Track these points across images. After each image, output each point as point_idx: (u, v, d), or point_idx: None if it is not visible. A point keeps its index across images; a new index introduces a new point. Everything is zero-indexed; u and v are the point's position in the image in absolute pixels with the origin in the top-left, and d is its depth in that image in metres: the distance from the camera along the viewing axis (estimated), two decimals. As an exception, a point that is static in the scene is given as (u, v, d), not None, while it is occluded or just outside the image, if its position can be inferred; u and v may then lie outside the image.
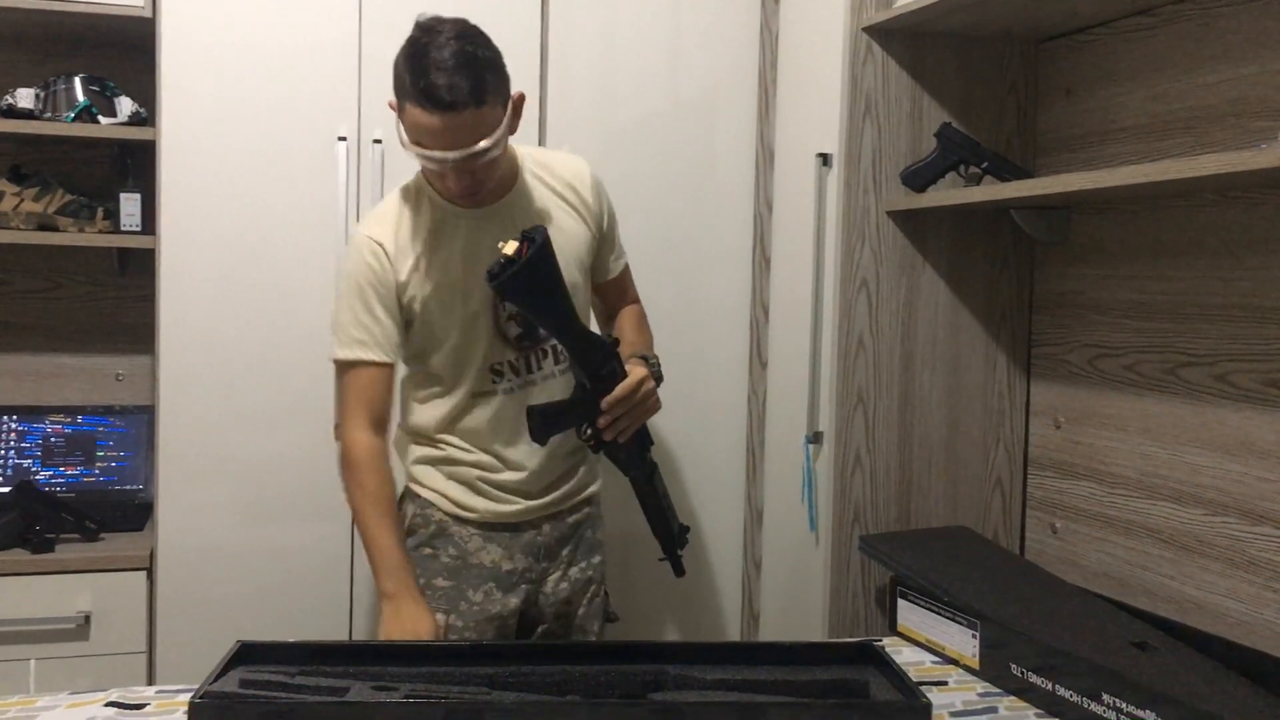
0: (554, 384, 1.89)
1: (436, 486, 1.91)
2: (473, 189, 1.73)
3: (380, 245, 1.80)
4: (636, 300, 2.07)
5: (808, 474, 2.25)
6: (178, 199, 2.23)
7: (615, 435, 1.78)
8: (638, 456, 1.87)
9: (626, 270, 2.03)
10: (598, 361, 1.76)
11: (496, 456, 1.89)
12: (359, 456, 1.80)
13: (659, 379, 1.85)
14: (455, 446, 1.90)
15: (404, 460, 1.97)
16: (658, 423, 2.46)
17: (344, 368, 1.82)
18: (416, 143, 1.67)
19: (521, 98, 1.75)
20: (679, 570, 1.98)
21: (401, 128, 1.69)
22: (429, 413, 1.90)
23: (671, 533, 1.95)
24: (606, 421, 1.76)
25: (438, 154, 1.65)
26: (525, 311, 1.77)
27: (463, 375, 1.86)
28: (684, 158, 2.47)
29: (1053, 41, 2.21)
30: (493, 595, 1.88)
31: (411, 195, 1.85)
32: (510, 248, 1.63)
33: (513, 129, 1.74)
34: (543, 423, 1.79)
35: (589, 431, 1.79)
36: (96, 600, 2.24)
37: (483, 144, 1.65)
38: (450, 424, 1.89)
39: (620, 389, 1.75)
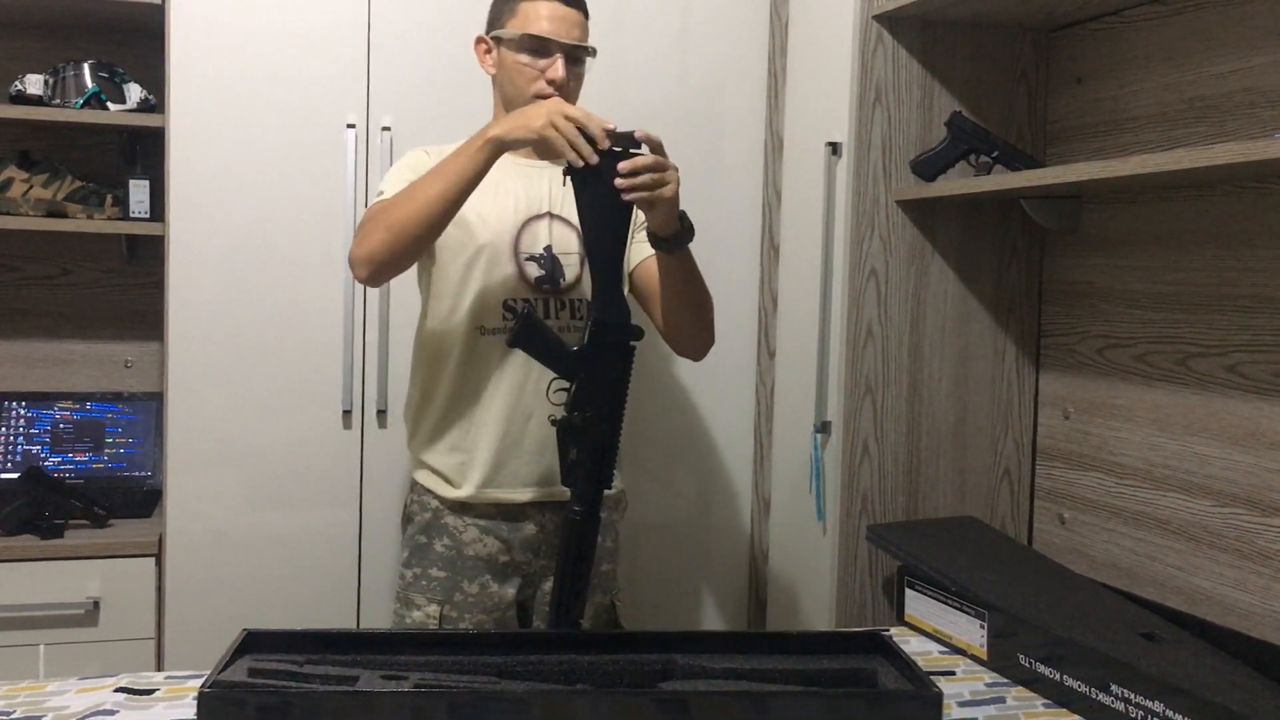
0: (565, 340, 1.84)
1: (432, 464, 1.91)
2: (565, 84, 1.84)
3: (425, 151, 1.90)
4: None
5: (815, 464, 2.25)
6: (187, 186, 2.23)
7: (631, 186, 1.62)
8: (592, 457, 1.69)
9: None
10: (611, 325, 1.68)
11: (497, 416, 1.86)
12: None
13: (687, 225, 1.75)
14: (457, 400, 1.88)
15: (409, 446, 1.97)
16: (667, 409, 2.47)
17: (374, 204, 1.80)
18: (532, 35, 1.82)
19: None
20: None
21: (504, 41, 1.85)
22: (440, 363, 1.88)
23: (565, 600, 1.71)
24: (628, 167, 1.62)
25: (557, 38, 1.82)
26: (583, 179, 1.65)
27: (478, 305, 1.85)
28: (692, 145, 2.46)
29: (1064, 30, 2.20)
30: (489, 587, 1.88)
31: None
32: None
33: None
34: (525, 328, 1.71)
35: (557, 390, 1.72)
36: (105, 586, 2.25)
37: (589, 42, 1.88)
38: (459, 371, 1.87)
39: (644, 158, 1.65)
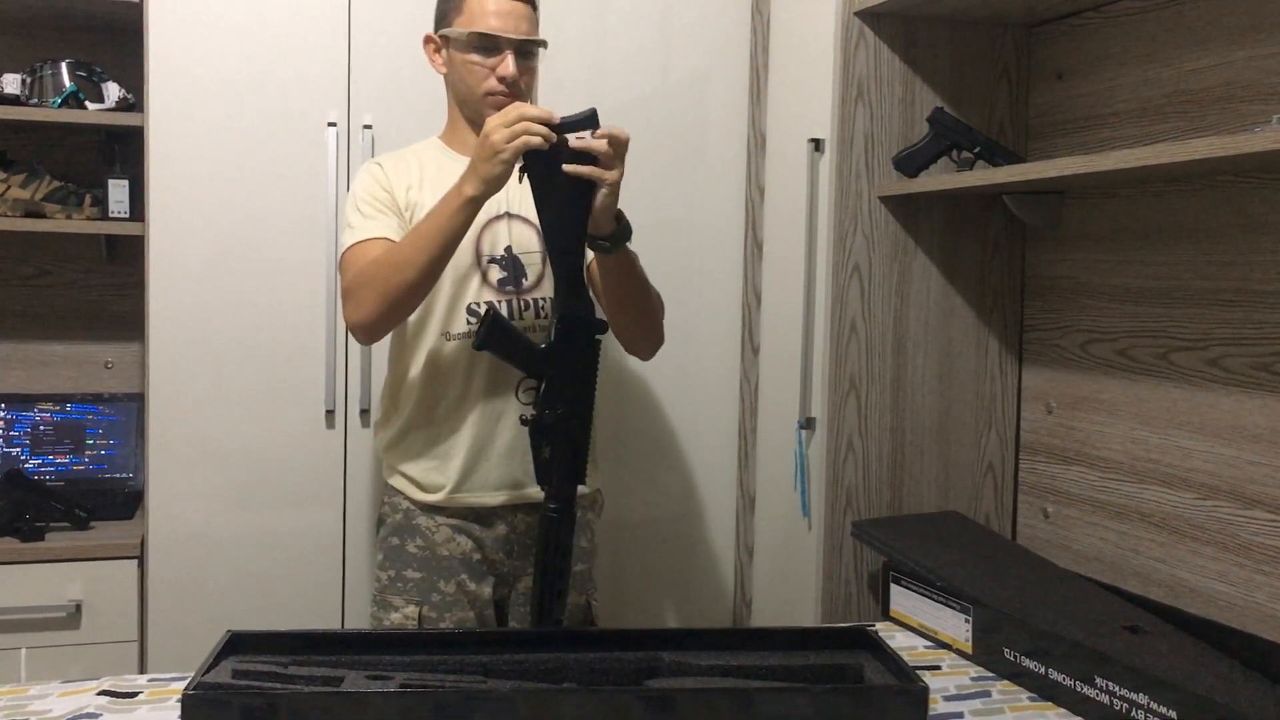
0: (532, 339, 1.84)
1: (403, 469, 1.90)
2: (517, 81, 1.82)
3: (379, 164, 1.90)
4: None
5: (800, 460, 2.25)
6: (166, 185, 2.22)
7: (584, 146, 1.61)
8: (566, 458, 1.70)
9: None
10: (575, 320, 1.68)
11: (466, 421, 1.86)
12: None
13: (624, 225, 1.73)
14: (426, 406, 1.87)
15: (381, 452, 1.97)
16: (651, 406, 2.47)
17: (354, 252, 1.80)
18: (480, 33, 1.80)
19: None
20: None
21: (452, 40, 1.83)
22: (409, 370, 1.88)
23: (546, 599, 1.72)
24: (582, 145, 1.61)
25: (506, 34, 1.80)
26: (538, 175, 1.64)
27: (443, 312, 1.84)
28: (675, 142, 2.46)
29: (1045, 25, 2.20)
30: (466, 586, 1.88)
31: (416, 148, 1.95)
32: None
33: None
34: (492, 330, 1.70)
35: (526, 389, 1.72)
36: (87, 589, 2.23)
37: (538, 36, 1.85)
38: (427, 377, 1.86)
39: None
